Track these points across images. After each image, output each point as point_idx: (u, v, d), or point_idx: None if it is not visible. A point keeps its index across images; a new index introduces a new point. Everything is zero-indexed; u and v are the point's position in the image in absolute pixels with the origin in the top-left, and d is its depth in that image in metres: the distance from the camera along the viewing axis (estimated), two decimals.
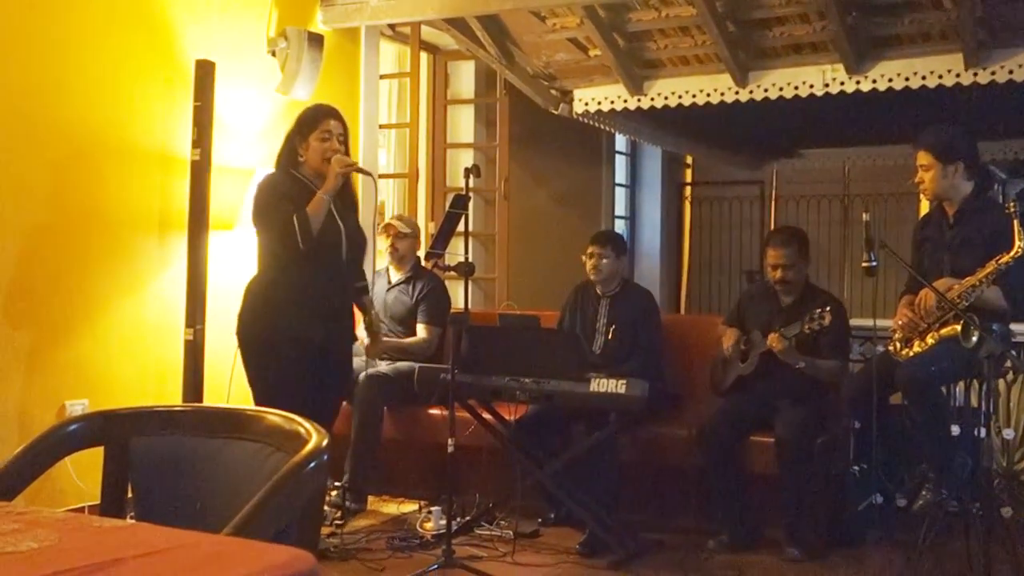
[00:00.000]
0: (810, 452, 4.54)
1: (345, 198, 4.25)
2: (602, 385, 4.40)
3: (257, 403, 4.05)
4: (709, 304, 11.40)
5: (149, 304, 5.00)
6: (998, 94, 5.78)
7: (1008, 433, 5.13)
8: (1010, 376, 5.07)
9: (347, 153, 4.25)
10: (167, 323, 5.03)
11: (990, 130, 8.24)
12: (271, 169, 4.36)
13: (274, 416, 2.11)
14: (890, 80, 5.61)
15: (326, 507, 4.83)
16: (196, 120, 4.95)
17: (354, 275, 4.38)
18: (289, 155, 4.22)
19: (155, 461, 2.18)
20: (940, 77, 5.49)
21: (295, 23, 5.66)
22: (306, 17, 5.86)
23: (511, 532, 4.71)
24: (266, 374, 4.11)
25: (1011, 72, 5.31)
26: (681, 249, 11.66)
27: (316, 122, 4.19)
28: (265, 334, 4.12)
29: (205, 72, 4.98)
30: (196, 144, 4.95)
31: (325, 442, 1.95)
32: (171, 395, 4.96)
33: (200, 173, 4.95)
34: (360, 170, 4.32)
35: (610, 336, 5.09)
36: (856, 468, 4.76)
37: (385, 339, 5.45)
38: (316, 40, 5.60)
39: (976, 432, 4.37)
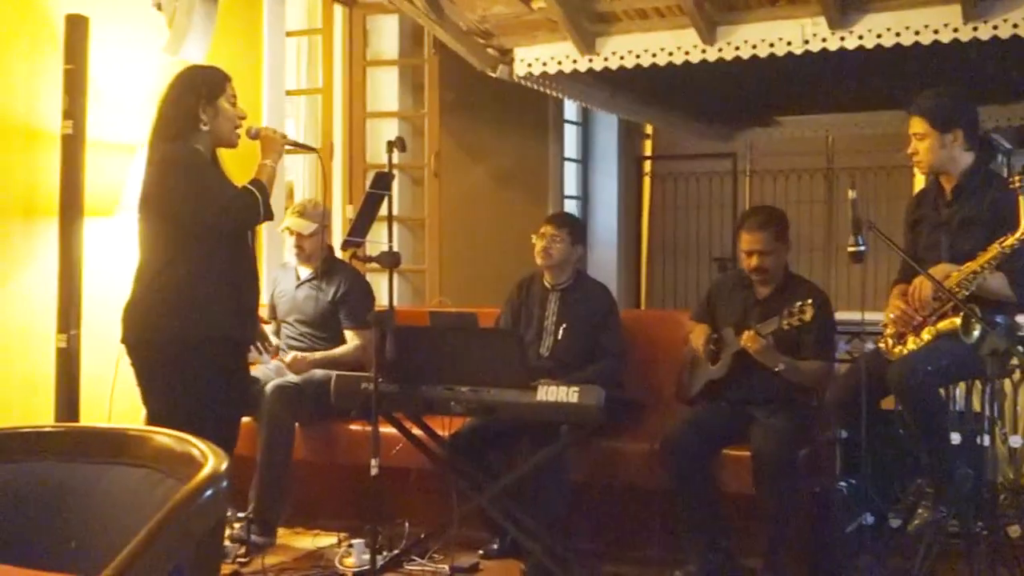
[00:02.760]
0: (791, 467, 4.60)
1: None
2: (551, 393, 4.40)
3: (170, 424, 3.96)
4: (674, 297, 11.50)
5: (13, 305, 4.93)
6: (1001, 51, 5.88)
7: (1015, 441, 5.23)
8: (1016, 376, 5.19)
9: None
10: (35, 328, 4.96)
11: (992, 93, 8.39)
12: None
13: (163, 436, 2.09)
14: (879, 36, 5.67)
15: (227, 542, 4.80)
16: (67, 87, 4.88)
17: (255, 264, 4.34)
18: (190, 123, 4.05)
19: (19, 491, 2.15)
20: (935, 32, 5.56)
21: None
22: None
23: (446, 567, 4.73)
24: (180, 389, 3.97)
25: (1015, 26, 5.39)
26: (640, 233, 11.74)
27: (223, 84, 4.13)
28: (182, 339, 3.98)
29: (77, 29, 4.91)
30: (67, 115, 4.88)
31: (224, 466, 1.93)
32: (41, 412, 4.90)
33: (73, 149, 4.88)
34: (300, 144, 4.59)
35: (560, 336, 5.11)
36: (843, 484, 4.83)
37: (309, 354, 5.41)
38: None
39: (979, 440, 4.45)
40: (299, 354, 5.41)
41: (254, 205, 3.98)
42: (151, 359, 4.04)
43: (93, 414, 4.91)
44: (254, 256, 4.25)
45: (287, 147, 4.35)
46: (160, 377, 4.03)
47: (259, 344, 4.60)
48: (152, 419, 4.02)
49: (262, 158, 4.14)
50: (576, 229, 5.27)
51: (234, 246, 4.07)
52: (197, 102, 4.06)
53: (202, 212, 4.00)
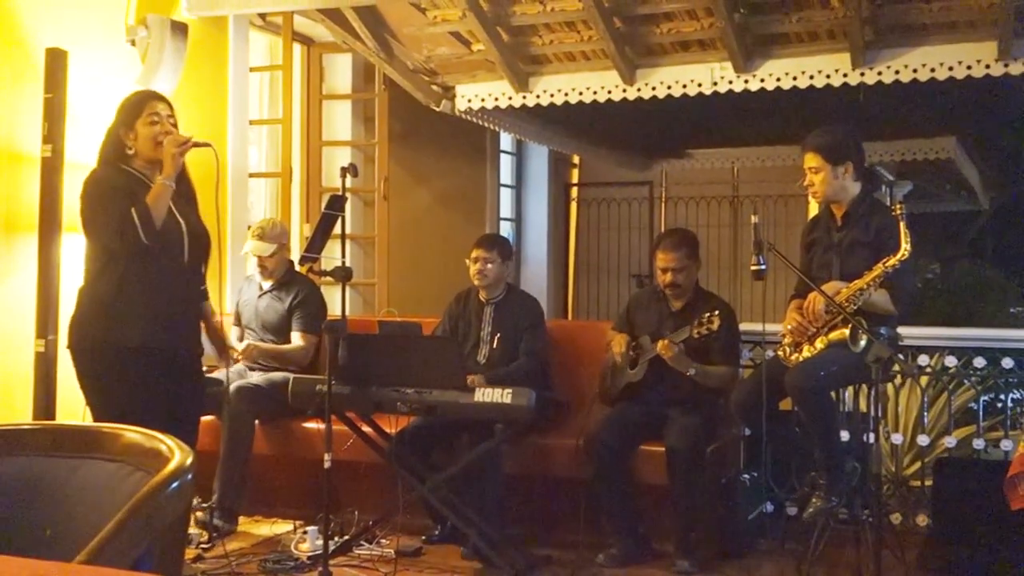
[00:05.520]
0: (701, 461, 4.62)
1: (182, 191, 4.00)
2: (487, 395, 4.39)
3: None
4: (597, 309, 11.54)
5: None
6: (884, 94, 5.98)
7: (897, 438, 5.31)
8: (898, 380, 5.27)
9: None
10: (15, 333, 4.86)
11: (877, 131, 8.53)
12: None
13: (133, 433, 2.04)
14: (778, 79, 5.76)
15: (192, 529, 4.72)
16: (47, 114, 4.79)
17: (197, 278, 4.12)
18: (115, 149, 3.95)
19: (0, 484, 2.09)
20: (828, 77, 5.65)
21: (157, 10, 5.52)
22: (169, 4, 5.73)
23: (392, 551, 4.68)
24: (107, 392, 3.86)
25: (897, 72, 5.50)
26: (568, 252, 11.78)
27: (141, 106, 3.96)
28: (104, 346, 3.86)
29: (57, 62, 4.83)
30: (47, 140, 4.79)
31: (189, 460, 1.90)
32: (20, 412, 4.79)
33: (51, 171, 4.80)
34: (198, 144, 4.00)
35: (495, 344, 5.10)
36: (746, 476, 4.87)
37: (259, 344, 5.39)
38: (180, 29, 5.47)
39: (865, 437, 4.51)
40: (251, 343, 5.41)
41: (133, 229, 3.77)
42: (81, 366, 3.94)
43: (69, 413, 4.80)
44: (189, 270, 4.03)
45: (192, 147, 3.96)
46: (88, 382, 3.92)
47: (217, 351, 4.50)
48: (93, 418, 3.91)
49: (161, 174, 3.90)
50: (504, 248, 5.25)
51: (157, 262, 3.88)
52: (119, 128, 3.97)
53: (96, 232, 3.91)
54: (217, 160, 3.99)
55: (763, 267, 4.20)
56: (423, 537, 4.96)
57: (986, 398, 5.37)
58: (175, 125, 4.01)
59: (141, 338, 3.86)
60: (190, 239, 3.99)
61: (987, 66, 5.34)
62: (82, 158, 5.08)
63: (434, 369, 4.48)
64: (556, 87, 6.33)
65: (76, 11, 5.20)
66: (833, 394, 4.46)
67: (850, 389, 4.81)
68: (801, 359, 4.25)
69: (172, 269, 3.96)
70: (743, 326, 5.12)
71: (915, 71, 5.47)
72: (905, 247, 4.06)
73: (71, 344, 3.96)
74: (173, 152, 3.88)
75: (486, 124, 7.52)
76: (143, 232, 3.77)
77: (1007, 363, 5.13)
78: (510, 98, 6.47)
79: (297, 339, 5.43)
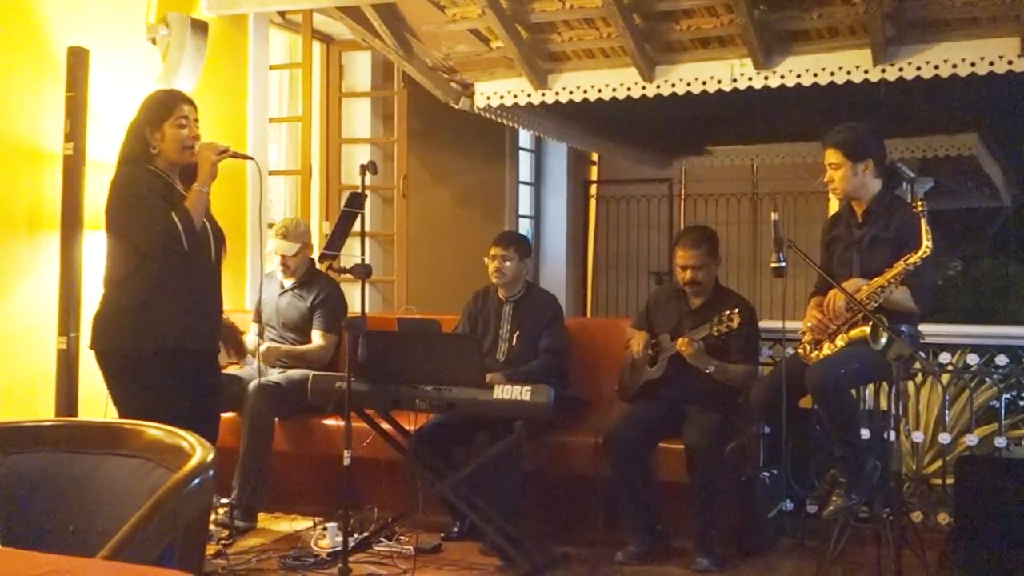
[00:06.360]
0: (720, 459, 4.62)
1: None
2: (506, 392, 4.39)
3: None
4: (616, 307, 11.52)
5: (18, 310, 4.85)
6: (906, 91, 5.95)
7: (917, 436, 5.29)
8: (919, 378, 5.24)
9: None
10: (38, 331, 4.89)
11: (898, 127, 8.49)
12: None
13: (155, 430, 2.06)
14: (798, 76, 5.73)
15: (212, 526, 4.75)
16: (69, 112, 4.83)
17: (219, 276, 4.15)
18: (141, 147, 3.94)
19: (23, 480, 2.11)
20: (848, 73, 5.62)
21: (177, 9, 5.55)
22: (189, 3, 5.76)
23: (412, 548, 4.69)
24: (136, 392, 3.87)
25: (919, 69, 5.47)
26: (587, 249, 11.77)
27: (170, 108, 3.95)
28: (137, 348, 3.87)
29: (78, 60, 4.86)
30: (69, 138, 4.82)
31: (211, 457, 1.91)
32: (43, 408, 4.82)
33: (73, 169, 4.83)
34: (238, 155, 4.07)
35: (514, 342, 5.10)
36: (766, 474, 4.86)
37: (279, 346, 5.40)
38: (200, 27, 5.50)
39: (886, 435, 4.49)
40: (272, 344, 5.40)
41: (175, 234, 3.80)
42: (110, 367, 3.95)
43: (91, 409, 4.84)
44: (215, 269, 4.08)
45: (232, 157, 4.06)
46: (116, 382, 3.94)
47: (227, 350, 4.53)
48: (119, 415, 3.92)
49: (196, 181, 3.93)
50: (521, 246, 5.25)
51: (190, 262, 3.90)
52: (145, 127, 3.95)
53: (132, 235, 3.91)
54: (261, 174, 4.00)
55: (783, 264, 4.19)
56: (442, 534, 4.97)
57: (1008, 396, 5.33)
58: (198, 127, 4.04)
59: (178, 338, 3.90)
60: (214, 239, 4.05)
61: (1009, 62, 5.30)
62: (103, 156, 5.12)
63: (453, 366, 4.49)
64: (575, 84, 6.32)
65: (97, 10, 5.23)
66: (854, 392, 4.45)
67: (871, 387, 4.79)
68: (821, 357, 4.24)
69: (204, 268, 4.02)
70: (763, 323, 5.10)
71: (936, 67, 5.43)
72: (926, 244, 4.04)
73: (100, 346, 3.96)
74: (213, 159, 3.93)
75: (505, 121, 7.52)
76: (185, 237, 3.82)
77: None
78: (529, 95, 6.46)
79: (318, 338, 5.44)
